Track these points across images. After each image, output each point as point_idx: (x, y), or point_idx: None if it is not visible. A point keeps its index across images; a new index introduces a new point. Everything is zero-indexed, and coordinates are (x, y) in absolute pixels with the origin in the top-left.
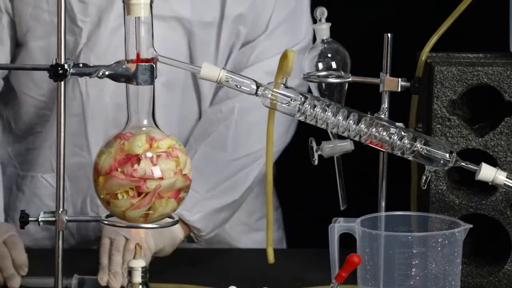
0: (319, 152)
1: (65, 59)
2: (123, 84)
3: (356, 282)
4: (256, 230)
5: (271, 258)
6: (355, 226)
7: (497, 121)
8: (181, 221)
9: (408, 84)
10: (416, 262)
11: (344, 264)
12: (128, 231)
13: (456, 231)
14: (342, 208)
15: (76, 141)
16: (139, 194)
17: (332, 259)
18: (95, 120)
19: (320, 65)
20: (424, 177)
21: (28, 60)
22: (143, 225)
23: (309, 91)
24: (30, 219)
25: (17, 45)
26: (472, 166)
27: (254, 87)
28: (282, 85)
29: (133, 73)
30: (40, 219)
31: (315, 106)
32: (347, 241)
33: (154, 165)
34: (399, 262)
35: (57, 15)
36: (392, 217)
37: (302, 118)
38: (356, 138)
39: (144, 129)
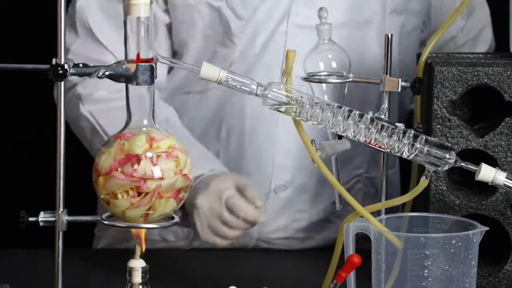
0: (319, 153)
1: (65, 59)
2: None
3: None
4: None
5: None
6: (370, 226)
7: (497, 121)
8: None
9: (408, 84)
10: (429, 263)
11: (344, 264)
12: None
13: (471, 233)
14: (337, 208)
15: None
16: (139, 194)
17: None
18: None
19: (321, 65)
20: (424, 177)
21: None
22: (143, 225)
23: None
24: (30, 218)
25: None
26: (472, 167)
27: (254, 87)
28: (282, 85)
29: (133, 73)
30: (40, 219)
31: (314, 106)
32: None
33: (154, 165)
34: (411, 263)
35: (57, 15)
36: (409, 218)
37: (301, 118)
38: (356, 138)
39: (144, 129)
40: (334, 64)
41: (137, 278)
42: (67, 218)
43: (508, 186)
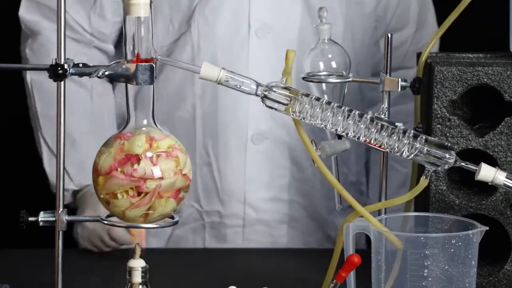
0: (319, 153)
1: (65, 59)
2: None
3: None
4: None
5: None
6: (370, 226)
7: (497, 121)
8: None
9: (408, 84)
10: (429, 263)
11: (344, 264)
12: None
13: (471, 233)
14: (337, 208)
15: None
16: (139, 194)
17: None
18: None
19: (321, 65)
20: (424, 177)
21: None
22: (143, 225)
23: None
24: (30, 218)
25: None
26: (471, 166)
27: (254, 87)
28: (281, 85)
29: (133, 73)
30: (40, 219)
31: (314, 106)
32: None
33: (154, 165)
34: (411, 263)
35: (57, 15)
36: (408, 218)
37: (301, 118)
38: (356, 138)
39: (144, 129)
40: (334, 64)
41: (137, 278)
42: (67, 218)
43: (508, 186)
